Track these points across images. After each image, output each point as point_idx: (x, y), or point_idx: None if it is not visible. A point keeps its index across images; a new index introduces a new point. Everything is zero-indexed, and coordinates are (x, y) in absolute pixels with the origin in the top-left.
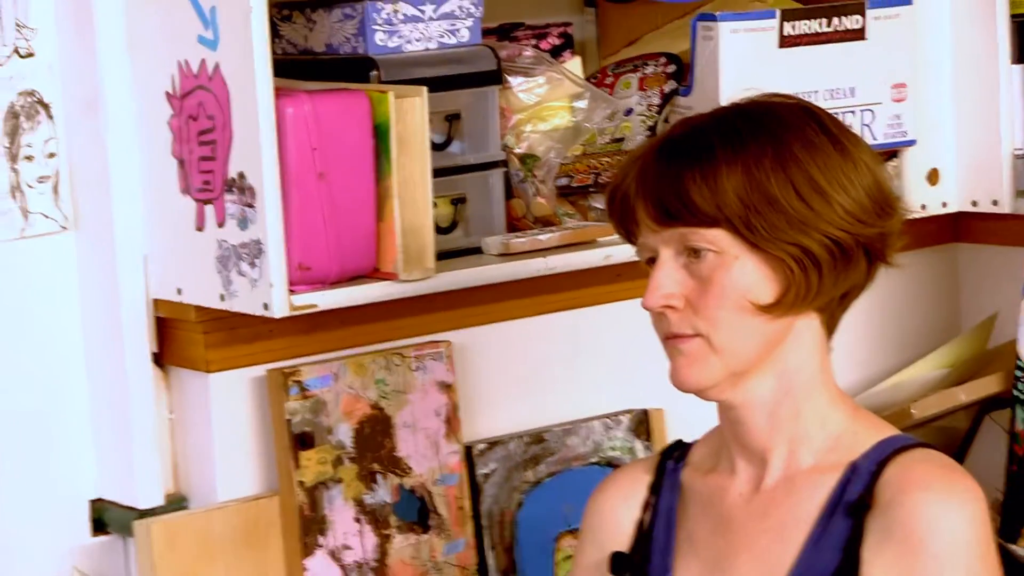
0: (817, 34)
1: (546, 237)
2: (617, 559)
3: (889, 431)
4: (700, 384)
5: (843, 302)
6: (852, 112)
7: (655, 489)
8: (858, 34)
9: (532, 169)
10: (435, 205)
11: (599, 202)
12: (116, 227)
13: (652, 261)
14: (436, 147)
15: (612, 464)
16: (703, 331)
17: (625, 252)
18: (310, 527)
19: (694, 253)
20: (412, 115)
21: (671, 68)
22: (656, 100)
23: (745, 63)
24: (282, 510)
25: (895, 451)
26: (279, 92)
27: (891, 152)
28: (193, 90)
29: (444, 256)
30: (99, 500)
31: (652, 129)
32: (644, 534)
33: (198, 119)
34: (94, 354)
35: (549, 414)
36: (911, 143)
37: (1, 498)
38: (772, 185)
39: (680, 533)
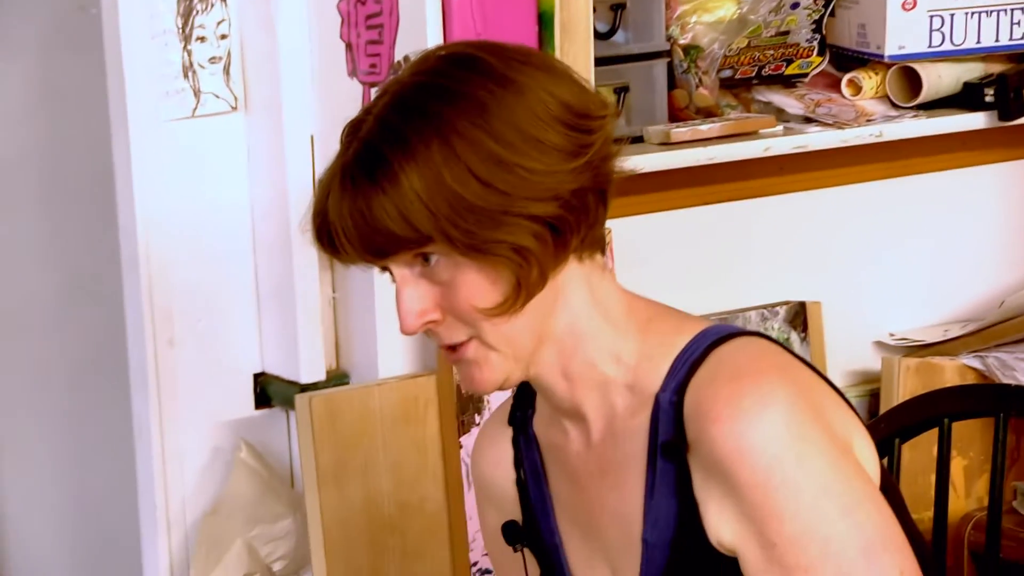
0: None
1: (707, 127)
2: (509, 530)
3: (678, 338)
4: (495, 384)
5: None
6: None
7: (516, 443)
8: None
9: (695, 60)
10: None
11: (762, 94)
12: (284, 108)
13: (387, 269)
14: (601, 36)
15: None
16: (473, 333)
17: (786, 144)
18: (466, 405)
19: (424, 259)
20: (576, 3)
21: None
22: None
23: None
24: (439, 388)
25: (688, 371)
26: None
27: None
28: None
29: None
30: (263, 374)
31: (817, 23)
32: (525, 496)
33: (366, 3)
34: (261, 232)
35: (706, 303)
36: None
37: (171, 370)
38: (449, 181)
39: (551, 491)
